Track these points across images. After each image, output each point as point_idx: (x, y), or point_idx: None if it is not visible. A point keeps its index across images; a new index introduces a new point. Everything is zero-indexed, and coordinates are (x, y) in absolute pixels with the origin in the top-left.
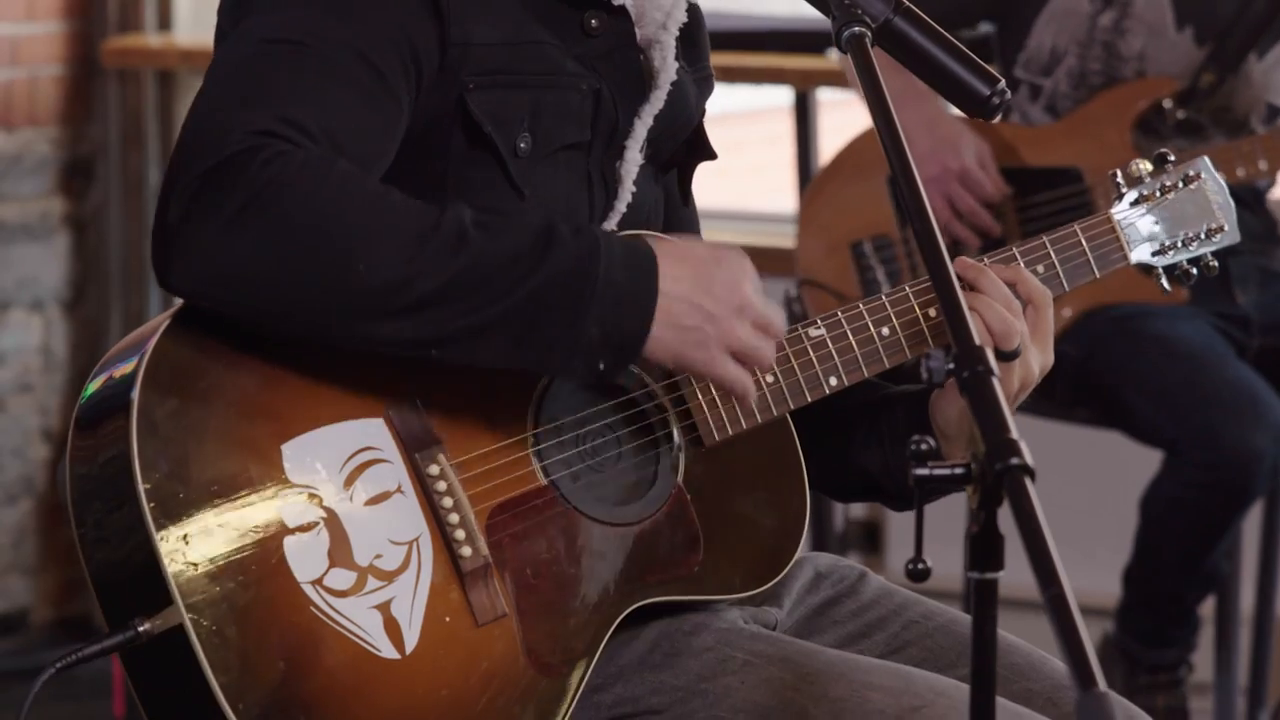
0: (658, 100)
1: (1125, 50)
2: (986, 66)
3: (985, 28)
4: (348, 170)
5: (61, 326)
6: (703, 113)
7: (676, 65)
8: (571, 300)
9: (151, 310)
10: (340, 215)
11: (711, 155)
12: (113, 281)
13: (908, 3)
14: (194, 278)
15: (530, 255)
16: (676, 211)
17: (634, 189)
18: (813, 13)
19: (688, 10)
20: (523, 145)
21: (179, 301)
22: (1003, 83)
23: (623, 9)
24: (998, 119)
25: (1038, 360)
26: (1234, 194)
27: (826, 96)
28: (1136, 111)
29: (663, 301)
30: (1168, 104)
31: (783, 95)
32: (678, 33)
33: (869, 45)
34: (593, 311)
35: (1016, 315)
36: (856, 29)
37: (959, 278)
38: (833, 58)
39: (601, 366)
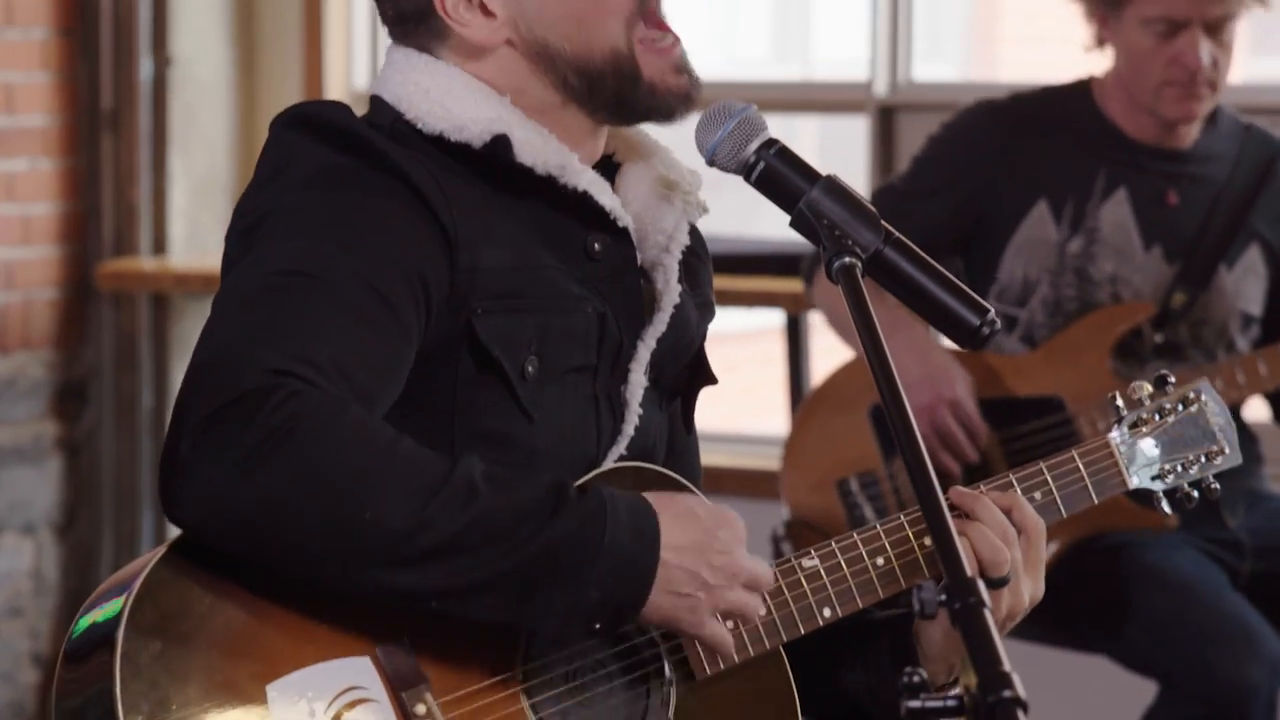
0: (660, 323)
1: (1096, 274)
2: (975, 296)
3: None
4: (360, 415)
5: (53, 550)
6: (703, 336)
7: (679, 288)
8: (575, 563)
9: (144, 533)
10: (351, 462)
11: (712, 380)
12: (105, 505)
13: (897, 233)
14: (201, 514)
15: (538, 515)
16: (680, 439)
17: (640, 412)
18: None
19: (691, 234)
20: (530, 369)
21: (173, 526)
22: (992, 312)
23: (625, 231)
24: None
25: (1028, 589)
26: None
27: (818, 319)
28: (1114, 337)
29: (662, 570)
30: (1146, 329)
31: (774, 316)
32: (680, 255)
33: (859, 275)
34: (595, 576)
35: (1010, 543)
36: (847, 259)
37: (954, 505)
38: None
39: (597, 626)
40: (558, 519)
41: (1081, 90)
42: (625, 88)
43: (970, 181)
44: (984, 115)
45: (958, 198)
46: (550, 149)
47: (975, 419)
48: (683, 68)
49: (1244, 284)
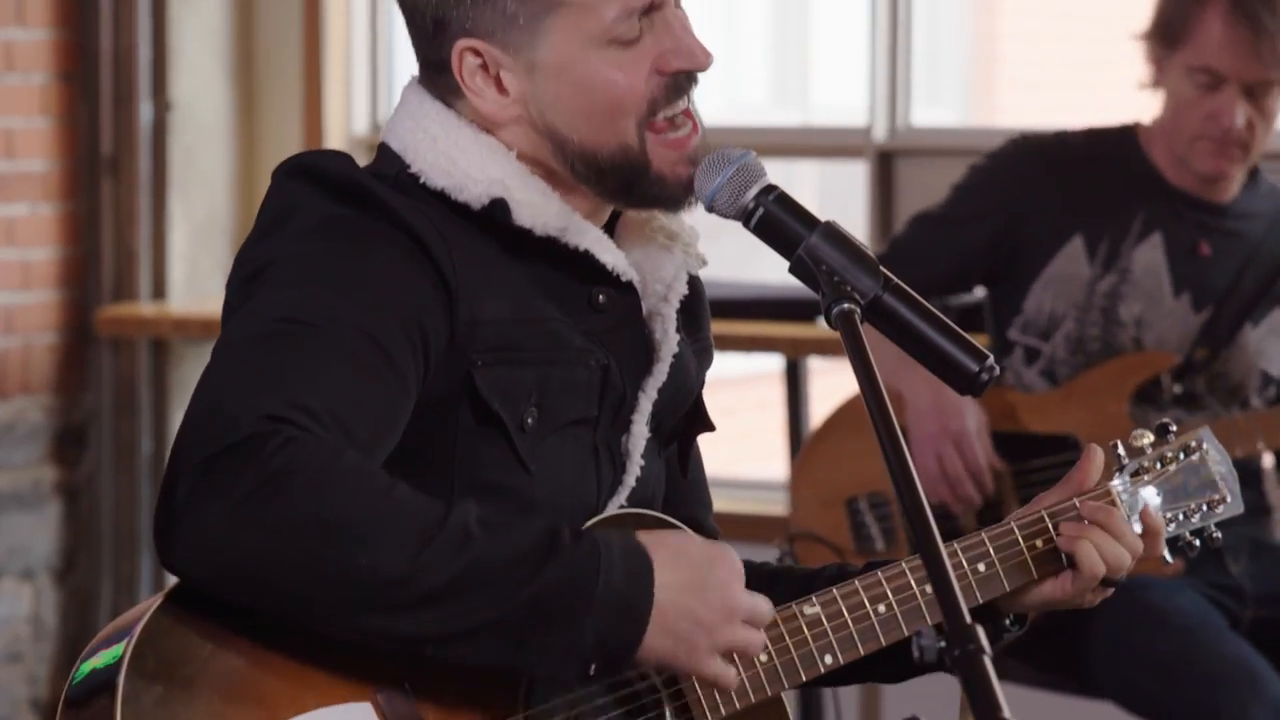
0: (660, 373)
1: (1123, 315)
2: (975, 342)
3: (978, 292)
4: (356, 461)
5: (52, 595)
6: (702, 384)
7: (677, 337)
8: (571, 607)
9: (143, 578)
10: (346, 507)
11: (710, 427)
12: (104, 549)
13: (896, 279)
14: (197, 561)
15: (533, 560)
16: (677, 484)
17: (642, 463)
18: None
19: (688, 282)
20: (530, 421)
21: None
22: (991, 359)
23: (630, 284)
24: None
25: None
26: None
27: (817, 364)
28: (1135, 384)
29: (657, 611)
30: (1165, 378)
31: (773, 361)
32: (679, 304)
33: (858, 321)
34: (590, 619)
35: (1133, 551)
36: (846, 305)
37: (1085, 517)
38: (823, 325)
39: (593, 669)
40: (551, 564)
41: (1127, 134)
42: (632, 178)
43: (1008, 211)
44: (1028, 149)
45: (994, 227)
46: (552, 210)
47: (979, 453)
48: (695, 159)
49: (1267, 343)
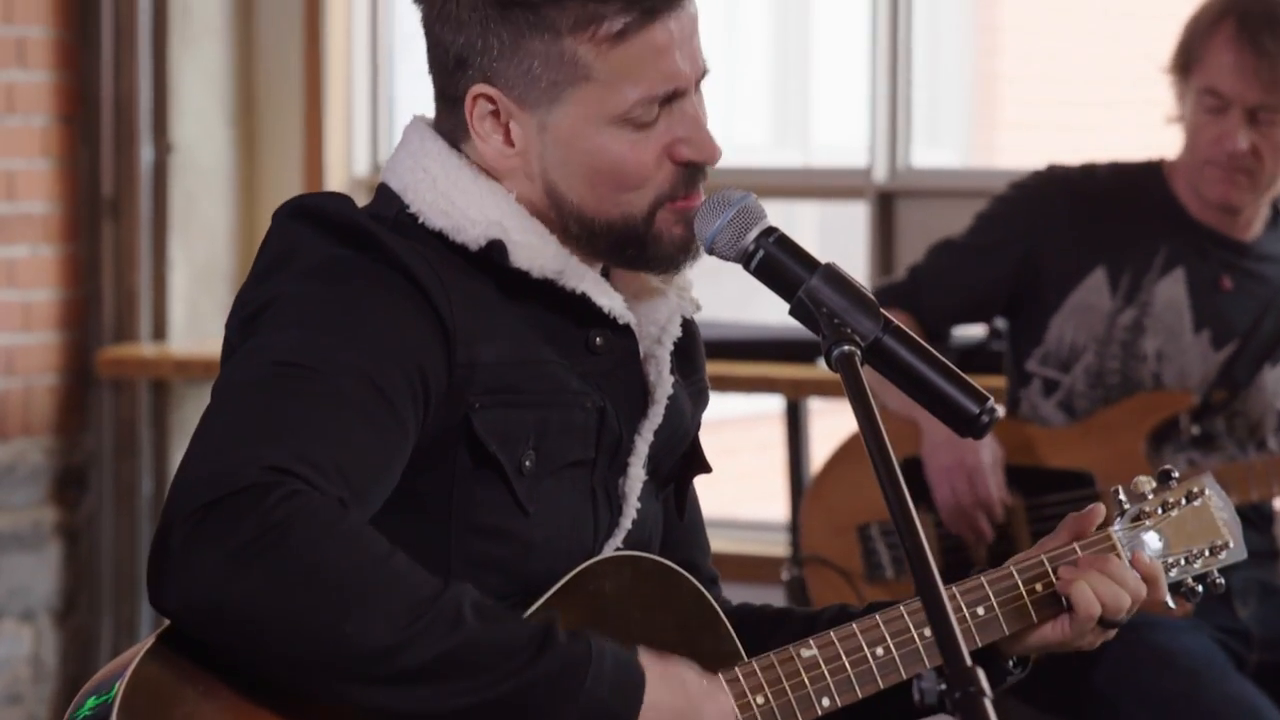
0: (656, 415)
1: (1142, 349)
2: (975, 384)
3: (981, 330)
4: (357, 525)
5: (52, 636)
6: (698, 426)
7: (672, 379)
8: (551, 707)
9: (143, 619)
10: (341, 571)
11: (707, 469)
12: (104, 591)
13: (896, 321)
14: (187, 603)
15: (521, 653)
16: (674, 527)
17: (638, 505)
18: None
19: (682, 324)
20: (528, 463)
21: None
22: (991, 400)
23: (627, 327)
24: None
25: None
26: (1239, 511)
27: (817, 405)
28: (1153, 423)
29: None
30: (1183, 419)
31: (774, 402)
32: (672, 347)
33: (858, 363)
34: None
35: (1133, 595)
36: (846, 348)
37: (1087, 566)
38: (823, 367)
39: None
40: (541, 659)
41: (1152, 169)
42: (626, 242)
43: (1031, 242)
44: (1054, 181)
45: (1016, 257)
46: (549, 253)
47: (992, 491)
48: (692, 219)
49: None
